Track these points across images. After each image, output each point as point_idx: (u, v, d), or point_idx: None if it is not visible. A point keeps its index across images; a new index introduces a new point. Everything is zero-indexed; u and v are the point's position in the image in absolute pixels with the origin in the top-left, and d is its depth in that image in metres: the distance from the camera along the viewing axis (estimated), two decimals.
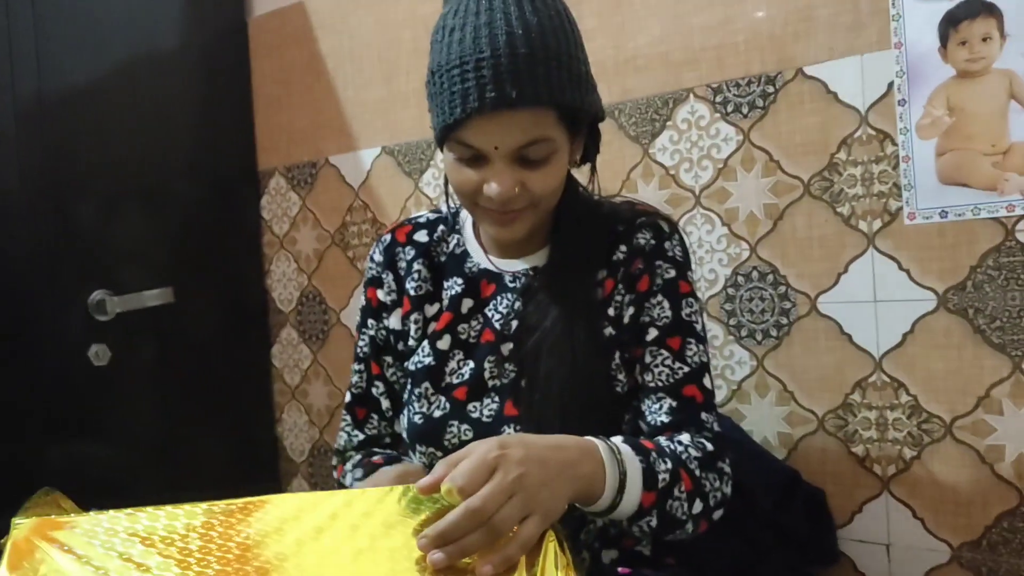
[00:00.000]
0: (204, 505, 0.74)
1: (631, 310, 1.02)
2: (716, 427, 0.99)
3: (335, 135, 2.05)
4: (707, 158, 1.52)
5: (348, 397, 1.17)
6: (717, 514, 0.95)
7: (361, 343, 1.15)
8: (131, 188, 1.87)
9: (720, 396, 1.52)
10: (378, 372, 1.14)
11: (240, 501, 0.75)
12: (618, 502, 0.83)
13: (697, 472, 0.91)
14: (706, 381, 1.00)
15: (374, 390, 1.14)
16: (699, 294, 1.52)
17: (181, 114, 2.01)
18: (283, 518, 0.72)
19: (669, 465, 0.88)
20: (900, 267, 1.35)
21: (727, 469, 0.96)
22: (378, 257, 1.15)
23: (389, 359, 1.13)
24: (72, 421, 1.71)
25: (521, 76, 0.87)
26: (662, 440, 0.93)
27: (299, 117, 2.12)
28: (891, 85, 1.34)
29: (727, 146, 1.50)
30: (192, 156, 2.04)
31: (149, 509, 0.73)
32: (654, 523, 0.87)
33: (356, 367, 1.16)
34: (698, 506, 0.91)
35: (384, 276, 1.13)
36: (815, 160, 1.42)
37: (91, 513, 0.74)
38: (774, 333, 1.47)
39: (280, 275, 2.18)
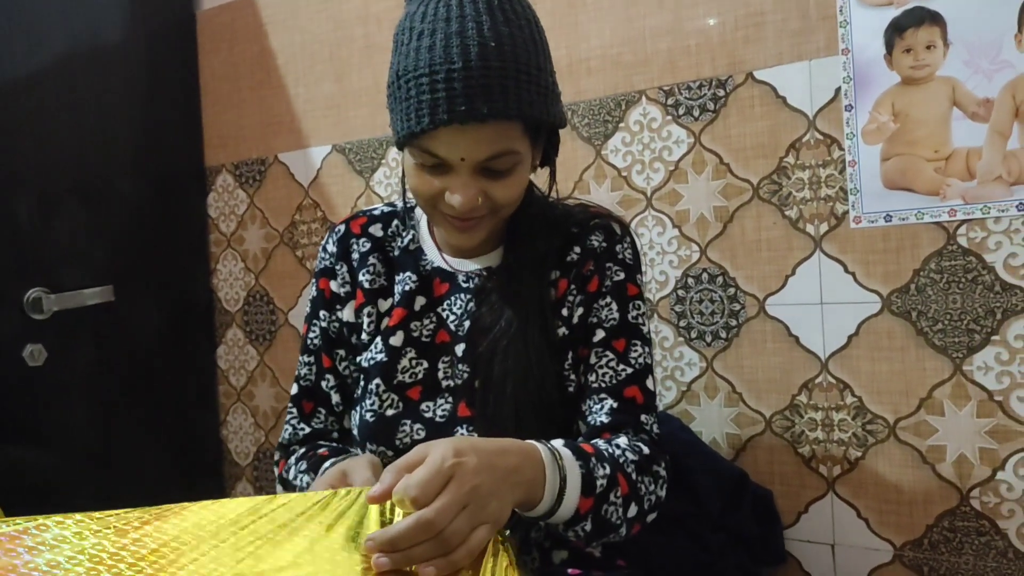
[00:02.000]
0: (135, 515, 0.70)
1: (580, 310, 1.02)
2: (655, 429, 0.99)
3: (285, 132, 2.01)
4: (659, 160, 1.53)
5: (295, 389, 1.13)
6: (651, 517, 0.95)
7: (311, 335, 1.11)
8: (70, 184, 1.81)
9: (670, 397, 1.53)
10: (330, 365, 1.11)
11: (177, 507, 0.72)
12: (556, 508, 0.82)
13: (633, 476, 0.90)
14: (649, 383, 1.00)
15: (324, 384, 1.11)
16: (650, 295, 1.52)
17: (125, 109, 1.96)
18: (220, 524, 0.69)
19: (607, 470, 0.87)
20: (846, 270, 1.37)
21: (663, 472, 0.96)
22: (331, 247, 1.12)
23: (342, 352, 1.10)
24: (5, 423, 1.65)
25: (492, 91, 0.85)
26: (600, 443, 0.92)
27: (248, 113, 2.07)
28: (838, 90, 1.36)
29: (678, 148, 1.51)
30: (136, 152, 1.98)
31: (77, 516, 0.70)
32: (589, 528, 0.86)
33: (305, 359, 1.12)
34: (633, 510, 0.90)
35: (338, 267, 1.10)
36: (764, 163, 1.43)
37: (17, 519, 0.70)
38: (723, 335, 1.48)
39: (227, 274, 2.13)
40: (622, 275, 1.03)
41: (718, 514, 1.35)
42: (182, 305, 2.09)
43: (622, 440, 0.94)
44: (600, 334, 1.01)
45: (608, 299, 1.02)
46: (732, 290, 1.47)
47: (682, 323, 1.52)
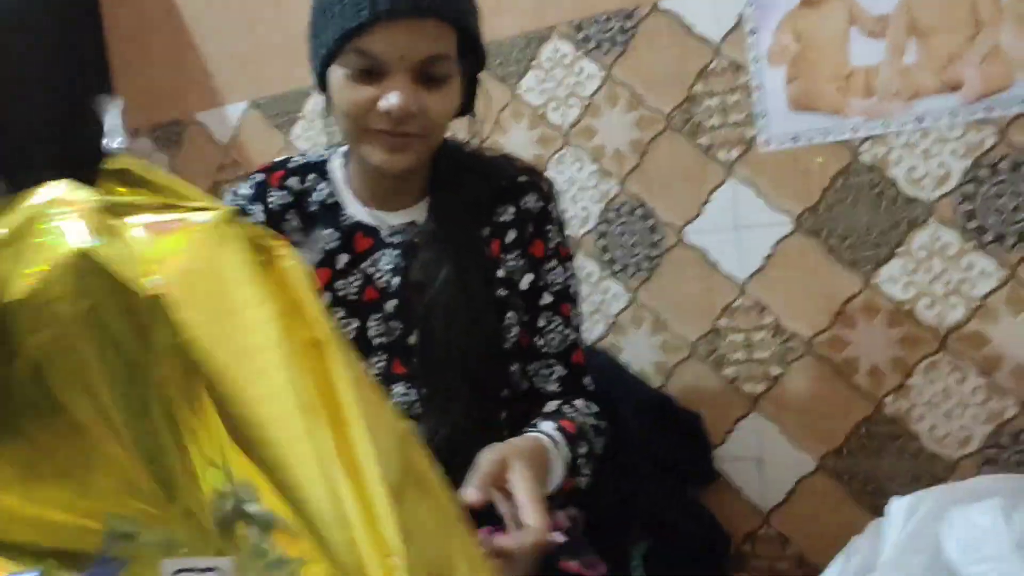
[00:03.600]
0: None
1: (530, 276, 1.03)
2: (592, 387, 1.06)
3: (199, 91, 1.97)
4: (573, 96, 1.53)
5: None
6: (594, 468, 1.01)
7: None
8: None
9: (597, 331, 1.56)
10: None
11: None
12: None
13: (593, 441, 0.98)
14: (581, 344, 1.06)
15: None
16: (572, 232, 1.54)
17: (29, 72, 1.89)
18: None
19: (585, 449, 0.95)
20: (758, 194, 1.40)
21: (605, 427, 1.03)
22: (246, 191, 1.05)
23: None
24: None
25: None
26: (568, 412, 0.99)
27: (160, 72, 2.02)
28: (741, 16, 1.37)
29: (591, 83, 1.51)
30: (48, 123, 1.92)
31: None
32: (561, 498, 0.96)
33: None
34: (589, 468, 0.98)
35: (251, 207, 1.04)
36: (675, 93, 1.44)
37: None
38: (646, 265, 1.51)
39: None
40: (559, 237, 1.05)
41: (644, 441, 1.39)
42: None
43: (579, 403, 1.01)
44: (547, 298, 1.03)
45: (554, 263, 1.04)
46: (651, 221, 1.49)
47: (605, 256, 1.54)
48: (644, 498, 1.37)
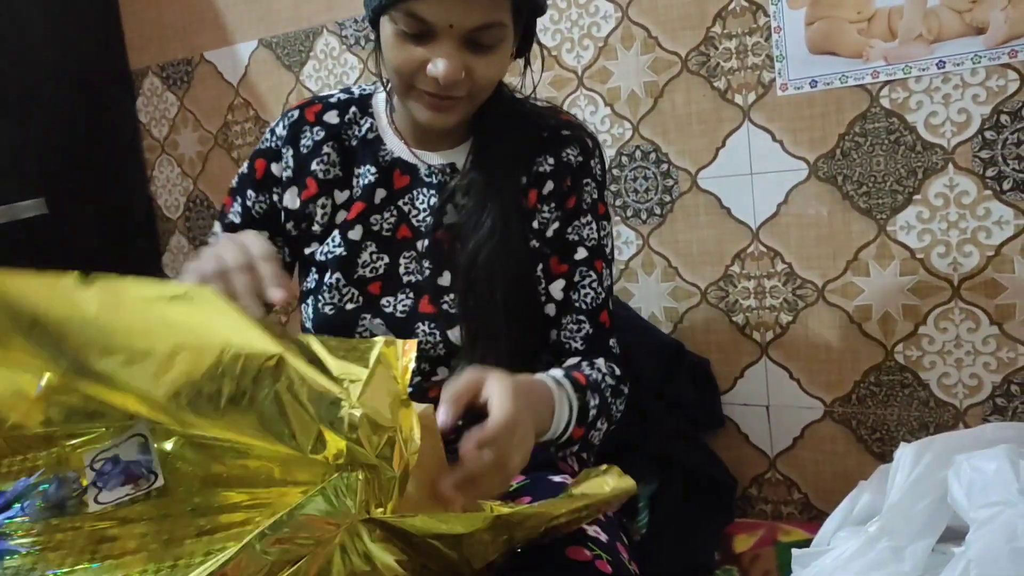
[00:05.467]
0: None
1: (556, 225, 1.02)
2: (618, 350, 1.03)
3: (208, 28, 1.94)
4: (588, 37, 1.50)
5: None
6: (611, 428, 0.99)
7: (233, 211, 1.06)
8: None
9: None
10: None
11: None
12: (554, 436, 0.86)
13: (610, 399, 0.96)
14: (610, 304, 1.04)
15: None
16: None
17: (37, 12, 1.87)
18: None
19: (597, 400, 0.91)
20: (774, 139, 1.38)
21: (626, 391, 1.01)
22: (281, 131, 1.06)
23: (266, 234, 1.04)
24: None
25: None
26: (586, 369, 0.96)
27: (169, 10, 1.99)
28: None
29: (607, 24, 1.48)
30: (55, 58, 1.90)
31: None
32: (575, 449, 0.93)
33: (219, 231, 1.07)
34: (604, 426, 0.96)
35: (283, 151, 1.05)
36: (692, 35, 1.41)
37: None
38: (658, 211, 1.50)
39: (164, 180, 2.10)
40: (596, 193, 1.03)
41: (656, 384, 1.40)
42: (122, 214, 2.06)
43: (600, 362, 0.98)
44: (582, 252, 1.01)
45: (588, 217, 1.02)
46: (665, 166, 1.48)
47: (618, 202, 1.53)
48: (653, 440, 1.38)
